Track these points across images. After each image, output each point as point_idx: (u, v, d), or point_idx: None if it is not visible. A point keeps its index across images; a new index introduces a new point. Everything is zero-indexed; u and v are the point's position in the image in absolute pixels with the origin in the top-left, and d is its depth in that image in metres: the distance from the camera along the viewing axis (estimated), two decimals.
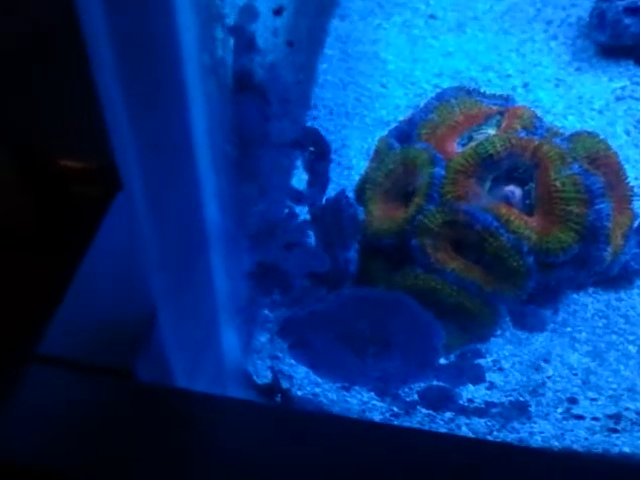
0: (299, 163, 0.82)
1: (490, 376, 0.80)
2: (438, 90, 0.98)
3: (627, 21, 1.12)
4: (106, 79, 0.52)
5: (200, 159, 0.58)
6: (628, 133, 1.04)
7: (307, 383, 0.81)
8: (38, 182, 1.07)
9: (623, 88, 1.10)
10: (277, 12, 0.54)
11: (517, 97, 1.05)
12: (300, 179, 0.86)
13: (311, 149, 0.70)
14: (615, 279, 0.88)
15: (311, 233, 0.77)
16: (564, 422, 0.78)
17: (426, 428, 0.77)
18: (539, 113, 0.90)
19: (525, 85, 1.11)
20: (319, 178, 0.78)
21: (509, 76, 1.13)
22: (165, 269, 0.64)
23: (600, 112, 1.07)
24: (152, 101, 0.53)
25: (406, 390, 0.79)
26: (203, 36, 0.52)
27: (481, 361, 0.79)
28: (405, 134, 0.89)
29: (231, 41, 0.55)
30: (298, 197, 0.69)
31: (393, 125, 0.96)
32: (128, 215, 0.64)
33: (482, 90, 0.94)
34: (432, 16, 1.22)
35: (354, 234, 0.82)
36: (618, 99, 1.08)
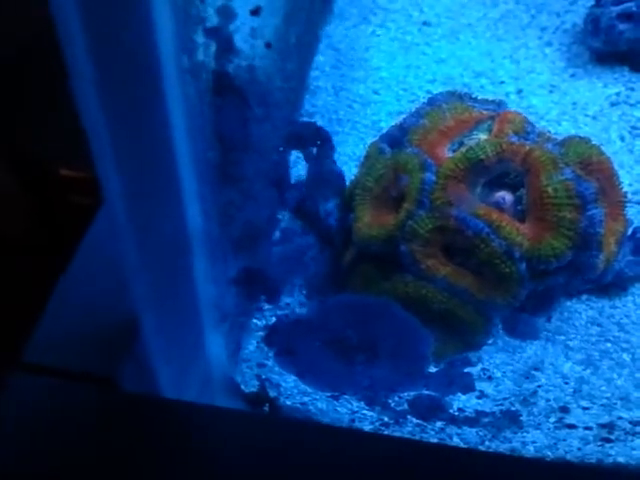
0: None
1: (481, 385, 0.79)
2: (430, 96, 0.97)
3: (621, 27, 1.11)
4: (84, 85, 0.51)
5: (181, 164, 0.57)
6: (622, 139, 1.03)
7: (296, 392, 0.80)
8: (31, 190, 1.07)
9: (617, 94, 1.09)
10: (254, 12, 0.53)
11: (511, 103, 1.04)
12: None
13: (318, 143, 0.72)
14: (609, 286, 0.87)
15: (296, 239, 0.77)
16: (557, 432, 0.77)
17: (417, 438, 0.76)
18: (533, 120, 0.90)
19: (519, 91, 1.10)
20: (324, 163, 0.78)
21: (503, 82, 1.12)
22: (148, 276, 0.63)
23: (594, 118, 1.06)
24: (130, 106, 0.52)
25: (396, 399, 0.78)
26: (182, 39, 0.51)
27: (471, 370, 0.78)
28: (396, 139, 0.88)
29: (212, 44, 0.54)
30: (282, 201, 0.68)
31: (384, 131, 0.95)
32: (111, 223, 0.63)
33: (474, 95, 0.93)
34: (425, 23, 1.22)
35: (334, 188, 0.82)
36: (612, 105, 1.08)
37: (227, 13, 0.51)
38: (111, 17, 0.48)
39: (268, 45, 0.62)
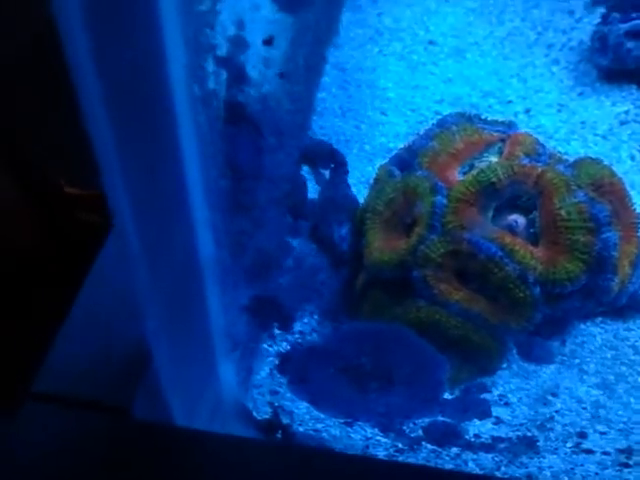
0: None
1: (497, 410, 0.78)
2: (439, 117, 0.97)
3: (629, 45, 1.10)
4: (95, 113, 0.50)
5: (193, 192, 0.56)
6: (633, 158, 1.02)
7: (309, 419, 0.79)
8: (42, 208, 1.06)
9: (627, 112, 1.08)
10: (267, 42, 0.52)
11: (519, 123, 1.03)
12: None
13: (332, 165, 0.72)
14: (623, 309, 0.86)
15: (309, 265, 0.76)
16: (574, 456, 0.75)
17: (431, 464, 0.75)
18: (542, 139, 0.89)
19: (527, 111, 1.10)
20: (338, 184, 0.78)
21: (510, 102, 1.11)
22: (160, 305, 0.63)
23: (604, 137, 1.05)
24: (142, 135, 0.52)
25: (410, 425, 0.76)
26: (193, 67, 0.50)
27: (487, 395, 0.77)
28: (405, 162, 0.88)
29: (223, 72, 0.54)
30: (294, 229, 0.68)
31: (393, 153, 0.94)
32: (122, 250, 0.62)
33: (483, 116, 0.92)
34: (432, 42, 1.21)
35: (348, 213, 0.83)
36: (622, 123, 1.07)
37: (239, 43, 0.51)
38: (123, 47, 0.48)
39: (282, 75, 0.61)
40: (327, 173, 0.84)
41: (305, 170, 0.92)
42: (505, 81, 1.15)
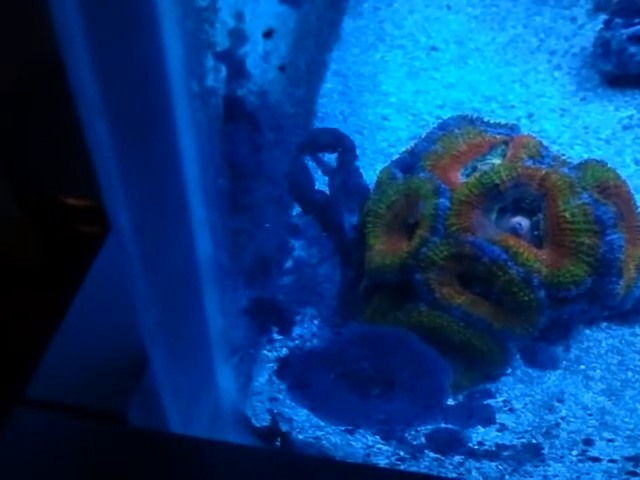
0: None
1: (501, 417, 0.76)
2: (440, 122, 0.96)
3: (632, 50, 1.10)
4: (91, 113, 0.49)
5: (191, 192, 0.55)
6: (637, 162, 1.01)
7: (308, 426, 0.78)
8: (40, 220, 1.06)
9: (630, 117, 1.07)
10: (267, 35, 0.51)
11: (522, 128, 1.03)
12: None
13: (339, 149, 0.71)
14: (629, 313, 0.85)
15: (307, 269, 0.75)
16: (580, 465, 0.74)
17: (434, 473, 0.73)
18: (545, 144, 0.88)
19: (530, 115, 1.09)
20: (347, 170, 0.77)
21: (513, 107, 1.10)
22: (157, 308, 0.61)
23: (607, 142, 1.04)
24: (139, 133, 0.51)
25: (413, 433, 0.75)
26: (191, 63, 0.49)
27: (491, 401, 0.76)
28: (408, 165, 0.87)
29: (222, 69, 0.53)
30: (294, 229, 0.66)
31: (396, 156, 0.93)
32: (118, 253, 0.61)
33: (486, 119, 0.92)
34: (433, 48, 1.21)
35: (359, 200, 0.82)
36: (625, 128, 1.06)
37: (238, 36, 0.50)
38: (119, 43, 0.47)
39: (282, 69, 0.60)
40: (332, 159, 0.82)
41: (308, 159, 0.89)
42: (507, 86, 1.14)
